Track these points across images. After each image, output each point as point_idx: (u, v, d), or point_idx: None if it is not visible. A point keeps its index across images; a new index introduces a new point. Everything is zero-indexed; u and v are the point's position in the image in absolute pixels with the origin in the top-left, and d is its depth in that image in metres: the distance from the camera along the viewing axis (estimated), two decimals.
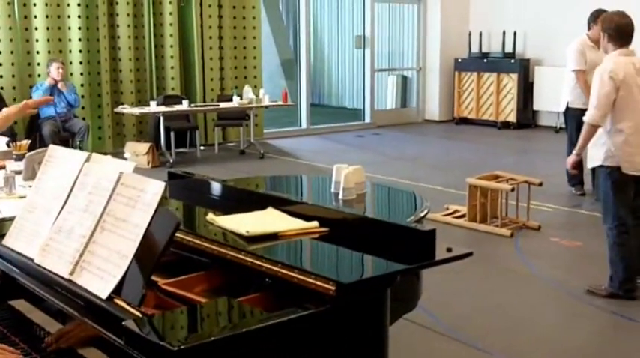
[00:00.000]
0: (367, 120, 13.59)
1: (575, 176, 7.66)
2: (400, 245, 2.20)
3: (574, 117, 7.54)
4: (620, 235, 4.71)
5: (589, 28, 7.42)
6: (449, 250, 2.15)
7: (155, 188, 2.08)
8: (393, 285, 2.07)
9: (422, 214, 2.83)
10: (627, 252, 4.71)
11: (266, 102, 10.65)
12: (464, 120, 13.54)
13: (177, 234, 2.27)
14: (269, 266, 2.11)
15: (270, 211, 2.66)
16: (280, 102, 10.97)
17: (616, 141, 4.65)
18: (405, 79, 14.57)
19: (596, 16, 7.35)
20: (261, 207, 2.67)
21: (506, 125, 12.91)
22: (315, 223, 2.44)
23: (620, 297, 4.72)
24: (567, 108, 7.60)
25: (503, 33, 12.97)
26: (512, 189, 6.35)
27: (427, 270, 2.36)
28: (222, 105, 10.56)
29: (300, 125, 12.92)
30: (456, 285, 5.01)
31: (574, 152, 5.02)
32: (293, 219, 2.53)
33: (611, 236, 4.75)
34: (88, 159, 2.41)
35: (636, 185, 4.76)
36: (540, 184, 6.51)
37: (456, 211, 6.80)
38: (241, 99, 10.40)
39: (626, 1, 10.83)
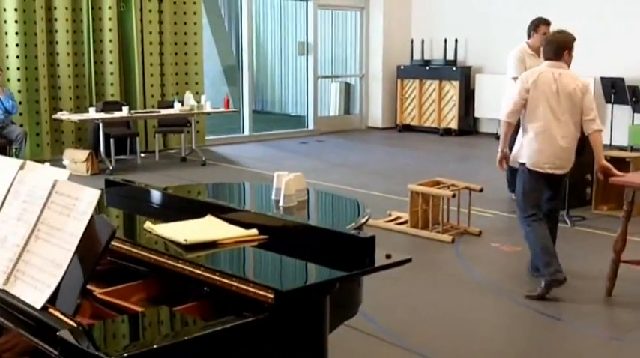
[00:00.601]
0: (310, 127, 13.61)
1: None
2: (340, 252, 2.20)
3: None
4: (532, 223, 5.06)
5: (529, 37, 7.54)
6: (388, 256, 2.16)
7: (90, 196, 2.04)
8: (332, 292, 2.07)
9: (362, 221, 2.83)
10: (540, 235, 5.03)
11: (208, 108, 10.58)
12: (407, 127, 13.65)
13: (113, 243, 2.25)
14: (207, 274, 2.09)
15: (209, 219, 2.63)
16: (222, 109, 10.90)
17: (525, 139, 5.08)
18: (348, 85, 14.64)
19: (537, 24, 7.49)
20: (201, 214, 2.65)
21: (448, 132, 13.07)
22: (255, 231, 2.43)
23: (552, 285, 4.87)
24: None
25: (445, 40, 13.13)
26: (454, 195, 6.41)
27: (369, 276, 2.36)
28: (163, 111, 10.45)
29: (243, 132, 12.86)
30: (399, 291, 5.04)
31: (498, 149, 5.27)
32: (232, 226, 2.51)
33: (524, 225, 5.10)
34: (22, 167, 2.36)
35: (551, 185, 5.13)
36: (481, 190, 6.59)
37: (398, 217, 6.84)
38: (182, 105, 10.31)
39: (561, 9, 11.13)
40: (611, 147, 10.04)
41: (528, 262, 5.44)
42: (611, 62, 10.97)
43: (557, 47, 5.05)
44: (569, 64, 5.13)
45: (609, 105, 11.03)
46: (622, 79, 10.80)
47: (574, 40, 5.17)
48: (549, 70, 5.01)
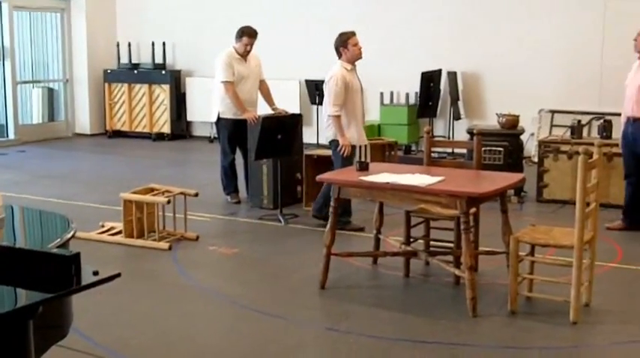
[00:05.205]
0: (11, 136, 12.66)
1: (230, 184, 7.87)
2: (42, 272, 2.02)
3: (225, 127, 7.76)
4: None
5: (237, 41, 7.67)
6: (95, 273, 2.03)
7: None
8: (35, 316, 1.89)
9: (68, 236, 2.65)
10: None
11: None
12: (117, 133, 13.27)
13: None
14: None
15: None
16: None
17: None
18: (51, 91, 13.88)
19: (243, 31, 7.64)
20: None
21: (160, 136, 12.91)
22: None
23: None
24: (219, 119, 7.79)
25: (152, 44, 12.97)
26: (169, 202, 6.31)
27: (82, 293, 2.21)
28: None
29: None
30: (116, 305, 4.83)
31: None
32: None
33: None
34: None
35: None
36: (196, 195, 6.57)
37: (111, 228, 6.59)
38: None
39: (265, 15, 11.50)
40: (318, 146, 10.55)
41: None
42: (316, 65, 11.46)
43: (335, 48, 6.58)
44: (352, 57, 6.55)
45: (314, 107, 11.59)
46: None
47: (347, 37, 6.50)
48: None
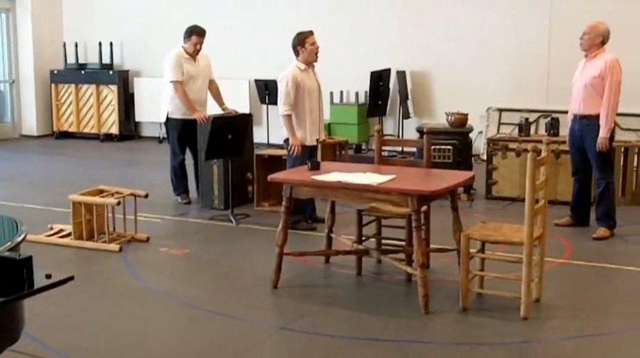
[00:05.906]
0: None
1: (180, 185, 7.81)
2: None
3: (175, 127, 7.70)
4: None
5: (186, 41, 7.62)
6: (48, 276, 2.00)
7: None
8: None
9: (19, 240, 2.60)
10: None
11: None
12: (65, 134, 13.08)
13: None
14: None
15: None
16: None
17: None
18: None
19: (192, 30, 7.59)
20: None
21: (109, 137, 12.75)
22: None
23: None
24: (168, 119, 7.73)
25: (100, 44, 12.80)
26: (119, 203, 6.24)
27: (32, 296, 2.17)
28: None
29: None
30: (67, 307, 4.76)
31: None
32: None
33: None
34: None
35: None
36: (146, 196, 6.49)
37: (61, 230, 6.48)
38: None
39: (215, 16, 11.44)
40: (269, 146, 10.54)
41: None
42: (265, 64, 11.45)
43: (292, 47, 6.58)
44: (308, 56, 6.55)
45: (264, 106, 11.57)
46: (274, 81, 11.37)
47: (304, 36, 6.51)
48: None
